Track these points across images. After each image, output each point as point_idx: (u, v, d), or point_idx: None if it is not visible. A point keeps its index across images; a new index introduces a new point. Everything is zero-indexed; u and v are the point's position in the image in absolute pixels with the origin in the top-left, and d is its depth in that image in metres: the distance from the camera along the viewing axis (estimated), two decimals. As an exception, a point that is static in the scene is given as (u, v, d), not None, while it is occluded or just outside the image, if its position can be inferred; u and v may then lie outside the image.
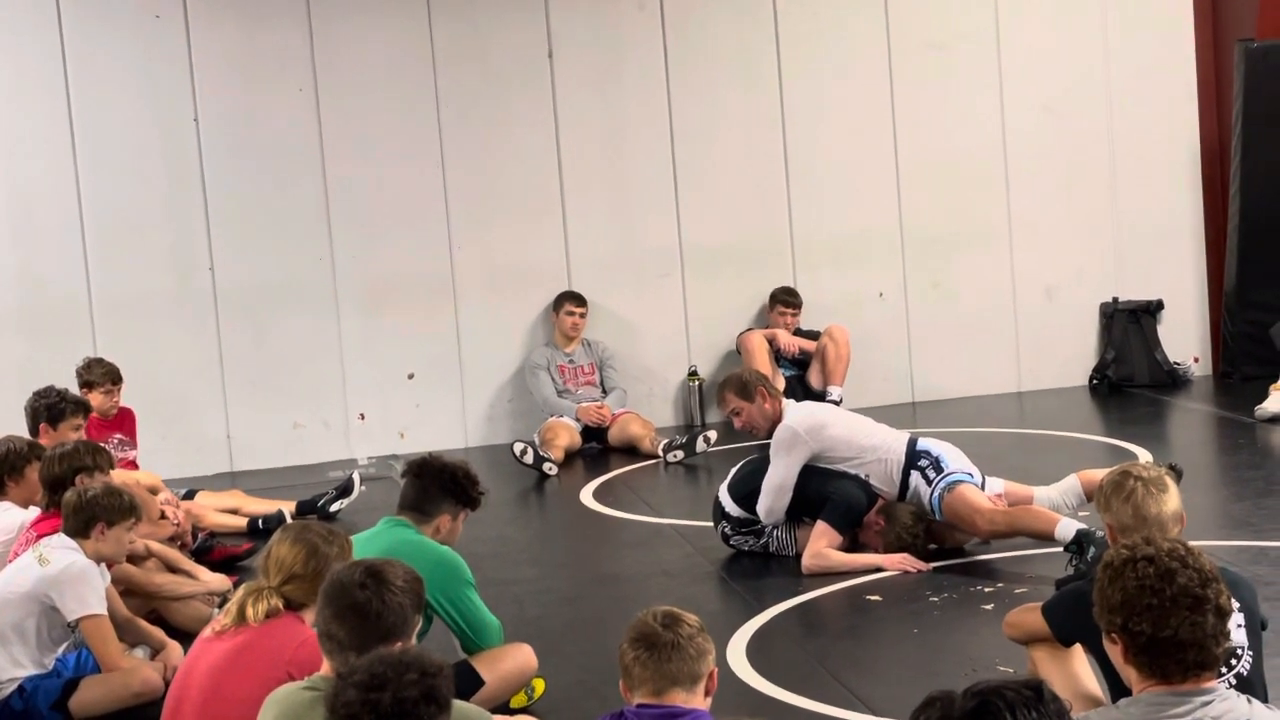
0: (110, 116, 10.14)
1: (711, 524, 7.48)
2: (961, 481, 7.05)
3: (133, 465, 8.58)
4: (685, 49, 10.82)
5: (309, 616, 4.21)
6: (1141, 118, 11.25)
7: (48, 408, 7.48)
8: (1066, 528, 6.60)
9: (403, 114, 10.50)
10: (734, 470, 7.45)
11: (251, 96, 10.32)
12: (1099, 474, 7.05)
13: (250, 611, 4.30)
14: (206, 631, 4.45)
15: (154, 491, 7.68)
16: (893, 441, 7.25)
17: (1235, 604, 3.97)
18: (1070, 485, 7.23)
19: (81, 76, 10.08)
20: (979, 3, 11.10)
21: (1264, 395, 9.68)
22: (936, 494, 7.05)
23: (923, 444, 7.24)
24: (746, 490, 7.26)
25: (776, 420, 7.29)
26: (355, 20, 10.42)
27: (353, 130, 10.42)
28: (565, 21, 10.67)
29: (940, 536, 7.16)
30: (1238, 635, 3.99)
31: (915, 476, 7.13)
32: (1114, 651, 3.30)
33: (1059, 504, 7.16)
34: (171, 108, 10.20)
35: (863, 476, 7.17)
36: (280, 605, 4.33)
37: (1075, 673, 4.39)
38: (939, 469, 7.10)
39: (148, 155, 10.22)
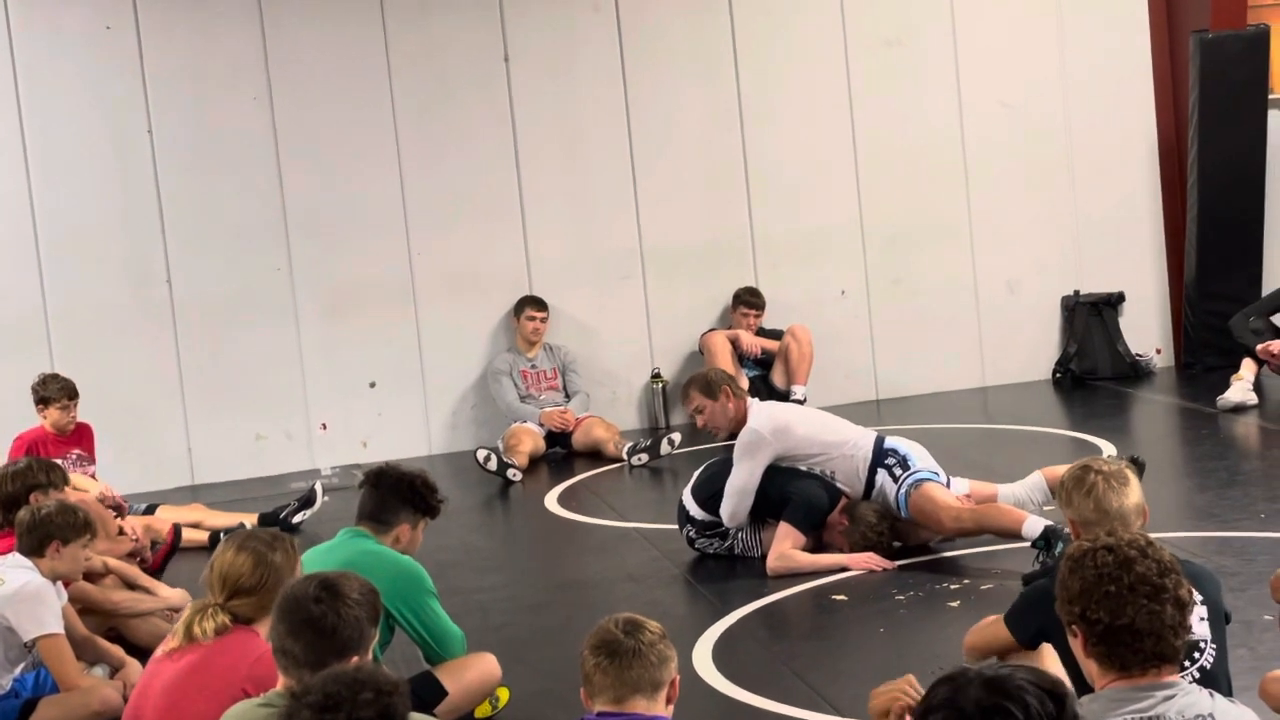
0: (63, 128, 10.05)
1: (676, 527, 7.44)
2: (927, 480, 7.02)
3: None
4: (641, 50, 10.79)
5: (263, 630, 4.15)
6: (1099, 110, 11.27)
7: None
8: (1033, 525, 6.59)
9: (359, 120, 10.43)
10: (697, 473, 7.41)
11: (206, 106, 10.24)
12: (1063, 469, 7.06)
13: (198, 630, 4.23)
14: (159, 652, 4.38)
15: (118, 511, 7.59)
16: (859, 438, 7.22)
17: (1199, 597, 3.97)
18: (1035, 482, 7.20)
19: (33, 88, 9.98)
20: (934, -1, 11.12)
21: (1226, 385, 9.71)
22: (902, 492, 7.02)
23: (890, 442, 7.22)
24: (710, 493, 7.22)
25: (740, 421, 7.25)
26: (309, 27, 10.35)
27: (309, 138, 10.35)
28: (520, 25, 10.62)
29: (905, 535, 7.15)
30: (1201, 628, 3.98)
31: (882, 474, 7.10)
32: (1075, 645, 3.29)
33: (1024, 500, 7.14)
34: (125, 119, 10.11)
35: (828, 474, 7.14)
36: (228, 621, 4.25)
37: (1047, 669, 4.34)
38: (905, 467, 7.07)
39: (102, 167, 10.13)
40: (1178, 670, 3.24)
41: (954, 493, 7.11)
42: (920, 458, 7.16)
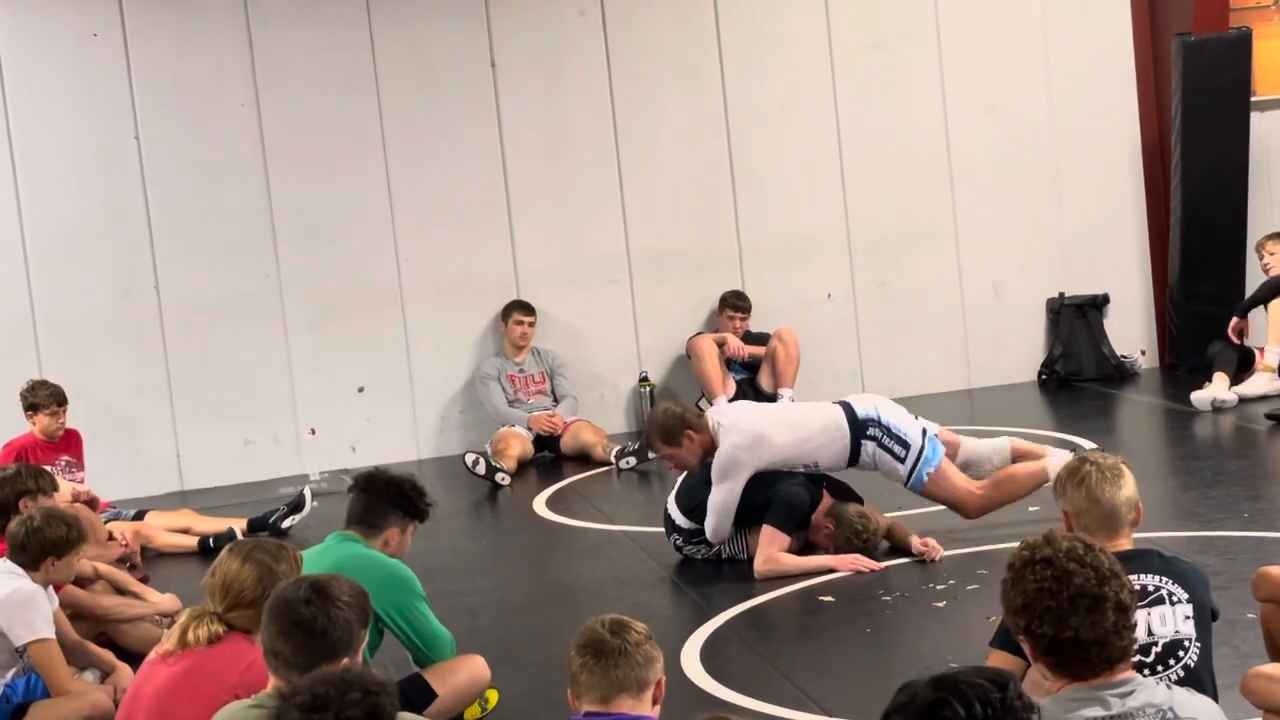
0: (50, 135, 10.07)
1: (663, 530, 7.46)
2: (940, 461, 7.09)
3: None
4: (627, 55, 10.82)
5: (258, 639, 4.16)
6: (1082, 113, 11.32)
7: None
8: (1054, 467, 6.67)
9: (346, 126, 10.46)
10: (680, 479, 7.41)
11: (193, 112, 10.26)
12: (1027, 445, 7.35)
13: (191, 636, 4.25)
14: (153, 654, 4.40)
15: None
16: (830, 417, 7.15)
17: (1185, 595, 4.01)
18: (999, 446, 7.47)
19: (20, 95, 10.00)
20: (919, 2, 11.14)
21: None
22: (919, 476, 7.07)
23: (861, 410, 7.16)
24: (692, 503, 7.21)
25: (709, 449, 7.15)
26: (296, 33, 10.37)
27: (296, 143, 10.37)
28: (507, 30, 10.65)
29: (892, 536, 7.18)
30: (1186, 627, 4.00)
31: (870, 446, 7.07)
32: (1026, 649, 3.32)
33: (985, 456, 7.38)
34: (112, 125, 10.13)
35: (812, 463, 7.13)
36: (222, 631, 4.26)
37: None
38: (901, 441, 7.07)
39: (89, 173, 10.15)
40: (1129, 666, 3.27)
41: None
42: (899, 419, 7.15)
